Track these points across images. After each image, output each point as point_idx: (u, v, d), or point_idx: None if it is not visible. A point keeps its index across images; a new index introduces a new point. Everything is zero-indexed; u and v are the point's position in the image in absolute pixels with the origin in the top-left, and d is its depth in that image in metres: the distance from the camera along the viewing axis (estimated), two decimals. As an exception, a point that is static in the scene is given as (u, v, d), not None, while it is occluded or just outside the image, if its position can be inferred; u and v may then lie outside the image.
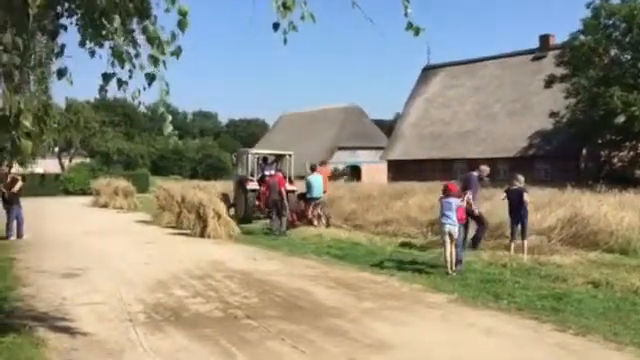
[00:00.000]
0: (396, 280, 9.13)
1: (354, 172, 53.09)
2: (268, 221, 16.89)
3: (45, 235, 15.86)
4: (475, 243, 11.50)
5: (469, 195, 10.97)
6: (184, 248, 13.30)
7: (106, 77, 3.83)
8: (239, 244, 13.91)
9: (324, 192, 16.88)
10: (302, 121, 61.22)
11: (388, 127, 60.49)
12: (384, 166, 42.96)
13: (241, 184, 19.33)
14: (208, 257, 11.67)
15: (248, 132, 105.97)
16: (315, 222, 16.45)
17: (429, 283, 8.82)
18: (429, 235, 13.60)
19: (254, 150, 21.79)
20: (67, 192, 41.49)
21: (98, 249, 13.12)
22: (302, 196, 16.98)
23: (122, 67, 3.73)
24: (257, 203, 19.08)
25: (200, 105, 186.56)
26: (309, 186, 16.51)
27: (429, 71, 43.78)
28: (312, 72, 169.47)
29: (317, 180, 16.63)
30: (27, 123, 3.35)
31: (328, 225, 16.23)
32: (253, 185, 18.92)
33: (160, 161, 78.68)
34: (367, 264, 10.66)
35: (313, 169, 17.12)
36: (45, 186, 40.80)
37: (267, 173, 19.54)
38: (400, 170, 38.16)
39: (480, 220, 11.54)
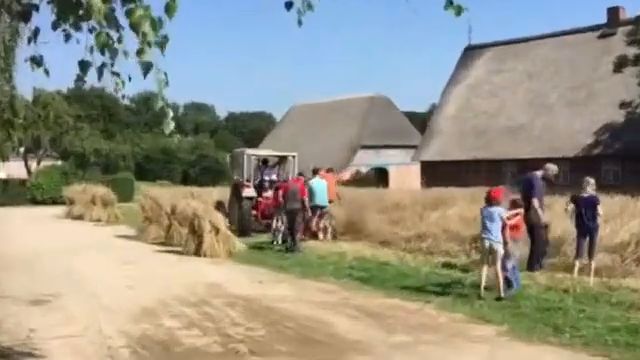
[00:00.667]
0: (433, 308, 9.08)
1: (380, 176, 52.97)
2: (272, 234, 17.24)
3: (8, 253, 16.01)
4: (531, 262, 11.41)
5: (535, 203, 10.87)
6: (175, 269, 13.34)
7: (84, 65, 3.85)
8: (241, 264, 13.93)
9: (330, 201, 17.38)
10: (317, 114, 61.33)
11: (421, 121, 60.37)
12: (416, 168, 42.85)
13: (236, 190, 19.61)
14: (204, 279, 11.70)
15: (251, 128, 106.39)
16: (320, 235, 16.91)
17: (473, 312, 8.75)
18: (472, 253, 13.51)
19: (252, 151, 22.18)
20: (35, 201, 41.88)
21: (72, 270, 13.21)
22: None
23: (103, 53, 3.75)
24: (254, 213, 19.40)
25: (193, 96, 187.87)
26: (311, 193, 16.79)
27: (471, 52, 43.66)
28: (328, 57, 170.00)
29: (320, 185, 17.09)
30: None
31: (335, 238, 16.81)
32: (249, 192, 19.29)
33: (146, 163, 79.13)
34: (397, 288, 10.62)
35: (315, 172, 17.55)
36: (8, 194, 41.23)
37: (267, 178, 20.05)
38: (436, 173, 38.02)
39: (538, 234, 11.43)
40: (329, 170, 20.48)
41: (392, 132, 55.91)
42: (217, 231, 15.14)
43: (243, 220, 18.93)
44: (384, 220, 17.60)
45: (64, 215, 29.73)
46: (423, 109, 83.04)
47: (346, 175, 50.77)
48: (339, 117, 58.52)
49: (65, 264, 14.08)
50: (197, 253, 14.96)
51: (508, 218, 9.73)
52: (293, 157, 20.79)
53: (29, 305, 9.57)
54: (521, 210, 10.34)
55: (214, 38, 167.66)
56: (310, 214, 16.71)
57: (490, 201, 9.68)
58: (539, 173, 11.70)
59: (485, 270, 9.63)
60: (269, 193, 19.47)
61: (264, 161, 21.14)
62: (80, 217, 28.11)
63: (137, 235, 19.75)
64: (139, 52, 3.63)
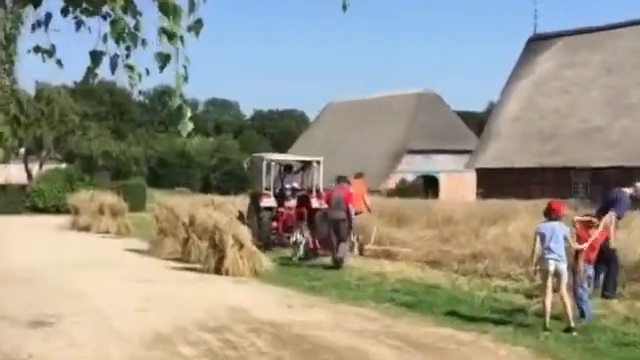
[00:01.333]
0: (490, 340, 9.00)
1: (429, 185, 52.70)
2: (292, 249, 17.62)
3: (4, 269, 16.26)
4: (606, 288, 11.25)
5: (611, 217, 10.72)
6: (193, 289, 13.43)
7: (96, 56, 3.89)
8: (268, 284, 13.99)
9: (357, 213, 17.47)
10: (356, 113, 61.34)
11: (477, 122, 59.92)
12: (472, 177, 42.51)
13: (254, 200, 20.01)
14: (226, 302, 11.77)
15: (280, 128, 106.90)
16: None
17: (538, 345, 8.65)
18: (537, 276, 13.35)
19: (272, 156, 22.50)
20: (36, 209, 42.46)
21: (76, 288, 13.38)
22: (325, 215, 17.28)
23: (118, 43, 3.79)
24: (274, 225, 19.69)
25: (215, 92, 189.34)
26: (331, 204, 17.10)
27: (537, 43, 43.24)
28: (370, 49, 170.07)
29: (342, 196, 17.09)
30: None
31: (361, 254, 17.32)
32: (269, 201, 19.74)
33: (161, 167, 79.80)
34: (448, 316, 10.58)
35: (340, 180, 17.74)
36: (6, 201, 41.89)
37: (289, 186, 20.50)
38: (495, 183, 37.67)
39: (614, 255, 11.28)
40: (358, 176, 20.77)
41: (443, 134, 55.60)
42: (241, 246, 15.20)
43: (262, 233, 18.97)
44: (433, 236, 17.52)
45: (68, 226, 30.07)
46: (480, 108, 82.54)
47: (390, 183, 50.66)
48: (382, 117, 58.42)
49: (69, 282, 14.27)
50: (218, 271, 15.04)
51: (581, 237, 9.60)
52: (318, 162, 21.16)
53: (28, 327, 9.72)
54: (598, 224, 10.21)
55: (238, 27, 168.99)
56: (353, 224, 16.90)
57: (550, 214, 9.59)
58: (628, 190, 11.54)
59: (550, 296, 9.50)
60: (291, 202, 19.96)
61: (286, 167, 21.49)
62: (86, 228, 28.40)
63: (150, 249, 19.91)
64: (171, 37, 3.63)
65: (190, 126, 3.89)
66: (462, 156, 49.08)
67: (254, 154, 25.52)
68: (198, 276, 15.01)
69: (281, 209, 19.95)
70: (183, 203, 20.68)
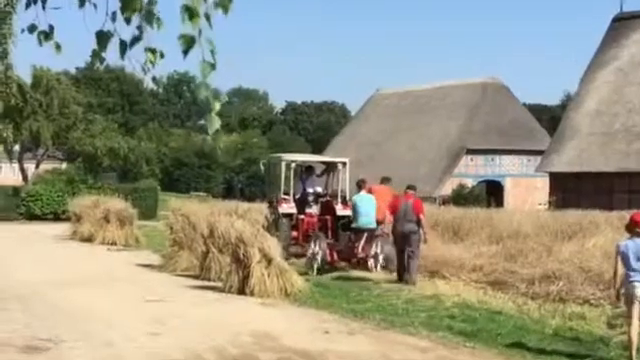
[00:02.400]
0: (564, 377, 8.90)
1: (492, 191, 52.43)
2: (308, 262, 18.14)
3: (-3, 284, 16.48)
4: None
5: None
6: (212, 310, 13.49)
7: (103, 37, 3.91)
8: (301, 306, 14.02)
9: (380, 222, 18.31)
10: (406, 105, 61.24)
11: (550, 118, 59.49)
12: (543, 182, 42.18)
13: (272, 206, 20.70)
14: (251, 326, 11.81)
15: (316, 123, 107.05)
16: (371, 264, 17.73)
17: (622, 384, 8.53)
18: (621, 302, 13.19)
19: (292, 156, 23.28)
20: (31, 216, 42.98)
21: (77, 309, 13.51)
22: (347, 226, 18.08)
23: (129, 22, 3.80)
24: (294, 234, 20.16)
25: (241, 80, 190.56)
26: (354, 211, 18.28)
27: (624, 23, 42.74)
28: (421, 31, 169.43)
29: (365, 202, 18.24)
30: None
31: (386, 268, 17.59)
32: (288, 207, 20.38)
33: (176, 168, 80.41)
34: (515, 347, 10.49)
35: (360, 186, 18.71)
36: (-3, 206, 42.53)
37: (311, 190, 21.29)
38: (571, 190, 37.29)
39: None
40: (384, 181, 21.14)
41: (510, 132, 55.21)
42: (269, 262, 15.22)
43: (281, 242, 19.04)
44: (497, 253, 17.39)
45: (69, 235, 30.37)
46: (553, 101, 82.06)
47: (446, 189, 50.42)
48: (436, 110, 58.22)
49: (69, 301, 14.41)
50: (242, 291, 15.07)
51: None
52: (343, 164, 21.66)
53: (21, 353, 9.83)
54: None
55: (266, 3, 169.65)
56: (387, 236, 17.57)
57: (634, 229, 9.50)
58: None
59: (637, 325, 9.37)
60: (313, 209, 20.64)
61: (307, 168, 22.02)
62: (89, 239, 28.63)
63: (163, 264, 20.04)
64: (192, 15, 3.61)
65: (218, 122, 3.88)
66: (531, 158, 48.78)
67: (272, 155, 26.51)
68: (218, 296, 15.07)
69: (302, 216, 20.41)
70: (202, 210, 20.76)
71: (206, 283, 16.54)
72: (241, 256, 15.35)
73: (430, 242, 17.98)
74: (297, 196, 20.95)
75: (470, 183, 52.39)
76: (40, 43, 4.14)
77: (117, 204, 29.76)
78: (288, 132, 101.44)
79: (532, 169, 45.70)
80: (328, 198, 21.16)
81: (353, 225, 18.41)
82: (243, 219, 17.41)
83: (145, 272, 19.51)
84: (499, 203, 47.47)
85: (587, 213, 22.16)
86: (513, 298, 14.53)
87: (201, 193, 62.79)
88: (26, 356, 9.72)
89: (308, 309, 13.72)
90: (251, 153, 77.77)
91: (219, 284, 15.93)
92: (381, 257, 17.96)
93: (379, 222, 18.44)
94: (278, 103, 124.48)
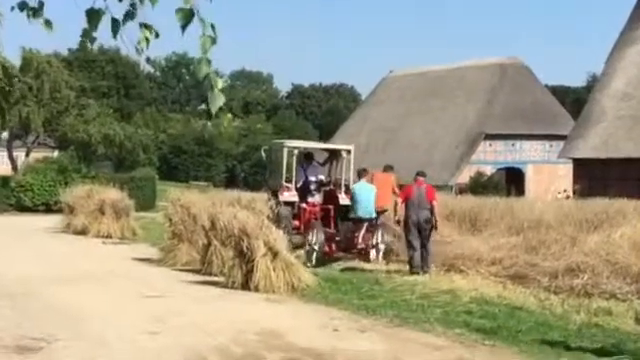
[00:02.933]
0: (590, 376, 8.91)
1: (512, 179, 52.35)
2: (305, 254, 18.44)
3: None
4: None
5: None
6: (215, 307, 13.53)
7: (93, 15, 3.91)
8: (309, 302, 14.05)
9: (382, 211, 19.35)
10: (421, 88, 61.15)
11: (574, 100, 59.32)
12: (566, 169, 42.12)
13: (273, 195, 21.32)
14: (256, 324, 11.82)
15: (325, 107, 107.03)
16: (372, 255, 18.67)
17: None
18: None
19: (294, 143, 23.91)
20: (22, 207, 43.19)
21: (71, 306, 13.54)
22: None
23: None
24: (295, 223, 20.47)
25: (244, 62, 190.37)
26: (353, 200, 19.21)
27: (652, -2, 42.52)
28: (434, 9, 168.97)
29: (365, 191, 19.15)
30: None
31: (387, 258, 18.59)
32: (289, 195, 20.95)
33: (175, 155, 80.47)
34: (536, 345, 10.48)
35: (361, 174, 19.76)
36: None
37: (313, 178, 21.74)
38: (597, 177, 37.21)
39: None
40: (387, 169, 21.99)
41: (531, 116, 55.12)
42: (274, 255, 15.23)
43: (282, 231, 19.24)
44: (517, 245, 17.37)
45: (61, 228, 30.48)
46: (577, 83, 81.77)
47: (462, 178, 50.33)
48: (453, 93, 58.18)
49: (62, 298, 14.45)
50: (246, 286, 15.09)
51: None
52: (348, 152, 22.30)
53: (12, 353, 9.85)
54: None
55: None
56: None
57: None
58: None
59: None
60: (316, 198, 21.22)
61: (308, 156, 22.53)
62: (83, 231, 28.74)
63: (162, 258, 20.10)
64: None
65: (222, 99, 3.87)
66: (554, 143, 48.75)
67: (273, 142, 27.05)
68: (221, 292, 15.09)
69: (303, 205, 20.85)
70: (202, 201, 20.79)
71: (208, 278, 16.57)
72: (245, 249, 15.36)
73: (446, 234, 18.06)
74: (299, 184, 21.49)
75: (489, 170, 52.41)
76: (29, 19, 4.13)
77: (112, 194, 29.83)
78: (294, 117, 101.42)
79: (555, 155, 45.62)
80: (331, 187, 21.68)
81: (352, 215, 19.29)
82: (247, 210, 17.44)
83: (143, 266, 19.56)
84: (520, 191, 47.40)
85: (614, 202, 22.08)
86: (535, 292, 14.52)
87: (202, 182, 62.87)
88: (17, 356, 9.75)
89: (316, 305, 13.74)
90: (255, 140, 77.59)
91: (221, 279, 15.94)
92: (382, 247, 18.74)
93: (381, 211, 19.38)
94: (283, 86, 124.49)
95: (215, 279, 16.23)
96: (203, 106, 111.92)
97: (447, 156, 53.39)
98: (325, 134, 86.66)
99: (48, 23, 4.23)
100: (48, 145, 59.14)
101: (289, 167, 21.84)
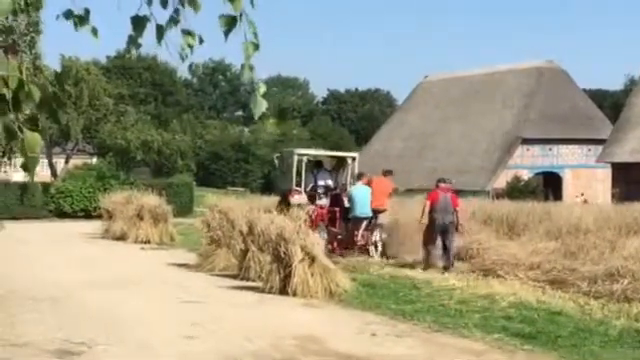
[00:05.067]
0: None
1: (550, 183, 52.04)
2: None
3: (26, 286, 16.69)
4: None
5: None
6: (252, 312, 13.55)
7: (139, 22, 3.94)
8: (347, 307, 14.02)
9: (379, 211, 21.36)
10: (457, 92, 60.97)
11: (612, 104, 58.79)
12: (605, 173, 41.78)
13: (284, 197, 22.88)
14: (293, 329, 11.84)
15: (361, 113, 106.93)
16: (372, 252, 20.99)
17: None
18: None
19: (303, 151, 25.95)
20: (61, 213, 43.57)
21: (110, 311, 13.63)
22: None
23: (166, 5, 3.82)
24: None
25: (280, 68, 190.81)
26: (351, 201, 21.41)
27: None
28: (470, 16, 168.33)
29: (362, 193, 21.32)
30: (36, 97, 3.45)
31: (383, 255, 20.87)
32: (299, 198, 22.31)
33: (212, 162, 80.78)
34: (576, 350, 10.41)
35: (359, 177, 22.25)
36: (26, 204, 43.08)
37: (322, 183, 23.68)
38: (636, 181, 36.91)
39: None
40: (386, 173, 24.15)
41: (568, 120, 54.76)
42: (312, 260, 15.23)
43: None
44: (555, 250, 17.30)
45: (100, 234, 30.70)
46: (615, 86, 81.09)
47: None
48: (489, 97, 57.92)
49: (101, 303, 14.55)
50: (283, 291, 15.09)
51: None
52: (353, 159, 24.37)
53: (53, 357, 9.94)
54: None
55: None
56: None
57: None
58: None
59: None
60: (323, 201, 22.90)
61: (318, 163, 24.64)
62: (122, 237, 28.90)
63: (200, 264, 20.15)
64: None
65: (264, 105, 3.90)
66: (592, 147, 48.35)
67: (285, 150, 29.56)
68: (258, 297, 15.11)
69: (312, 207, 21.87)
70: (240, 207, 20.84)
71: (245, 283, 16.60)
72: (282, 254, 15.37)
73: (483, 239, 18.09)
74: (308, 189, 23.20)
75: (526, 175, 52.05)
76: (76, 28, 4.16)
77: (151, 200, 29.92)
78: (330, 123, 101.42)
79: (593, 159, 45.38)
80: (338, 191, 23.44)
81: (351, 215, 21.50)
82: (285, 215, 17.47)
83: (181, 272, 19.64)
84: (557, 196, 47.13)
85: (654, 206, 21.90)
86: (574, 297, 14.45)
87: (239, 188, 63.01)
88: (59, 359, 9.84)
89: (354, 310, 13.73)
90: (291, 145, 77.72)
91: (259, 284, 15.96)
92: (380, 245, 21.16)
93: (378, 211, 21.44)
94: (319, 92, 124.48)
95: (253, 284, 16.26)
96: (240, 112, 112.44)
97: (484, 161, 53.14)
98: (361, 139, 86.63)
99: (94, 31, 4.26)
100: (87, 152, 59.64)
101: (299, 172, 23.53)
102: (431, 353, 10.40)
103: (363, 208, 21.18)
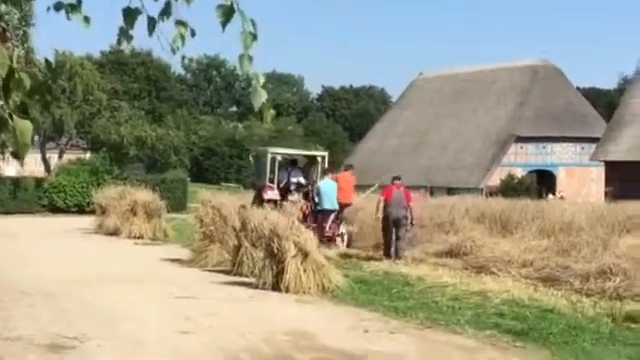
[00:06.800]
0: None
1: (543, 182, 52.11)
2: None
3: (20, 281, 16.65)
4: None
5: None
6: (245, 308, 13.57)
7: (130, 14, 3.92)
8: (339, 303, 14.03)
9: (346, 204, 23.06)
10: (451, 90, 61.03)
11: (606, 103, 58.90)
12: (598, 172, 41.85)
13: (258, 193, 24.35)
14: (286, 324, 11.85)
15: (355, 109, 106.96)
16: (339, 242, 22.48)
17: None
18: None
19: (276, 149, 27.60)
20: (54, 208, 43.44)
21: (103, 306, 13.62)
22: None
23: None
24: None
25: (275, 64, 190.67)
26: (319, 195, 22.80)
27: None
28: (466, 12, 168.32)
29: (329, 187, 22.82)
30: (26, 84, 3.44)
31: (349, 246, 22.36)
32: (272, 194, 23.75)
33: (206, 158, 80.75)
34: (568, 348, 10.43)
35: (325, 172, 23.95)
36: (19, 198, 42.98)
37: (294, 180, 25.23)
38: (629, 180, 36.93)
39: None
40: (348, 168, 26.73)
41: (562, 118, 54.88)
42: (305, 256, 15.23)
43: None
44: (548, 248, 17.34)
45: (94, 229, 30.65)
46: (609, 85, 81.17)
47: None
48: (483, 95, 58.03)
49: (94, 297, 14.53)
50: (276, 286, 15.09)
51: None
52: (322, 158, 25.68)
53: (45, 351, 9.93)
54: None
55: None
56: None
57: None
58: None
59: None
60: (295, 197, 23.99)
61: (293, 162, 26.26)
62: (115, 232, 28.85)
63: (193, 259, 20.14)
64: None
65: (264, 95, 3.89)
66: (586, 145, 48.40)
67: (259, 148, 31.65)
68: (252, 292, 15.12)
69: (284, 203, 22.23)
70: (233, 203, 20.84)
71: (238, 279, 16.61)
72: (275, 250, 15.37)
73: (476, 236, 18.13)
74: (281, 185, 24.79)
75: (519, 173, 52.10)
76: (68, 16, 4.14)
77: (144, 196, 29.88)
78: (325, 119, 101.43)
79: (586, 158, 45.44)
80: (310, 187, 24.79)
81: (318, 208, 22.91)
82: (278, 211, 17.48)
83: (174, 267, 19.63)
84: (550, 193, 47.16)
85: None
86: (566, 295, 14.49)
87: (232, 184, 62.99)
88: (51, 354, 9.82)
89: (347, 306, 13.73)
90: (285, 142, 77.68)
91: (252, 280, 15.98)
92: (346, 236, 22.85)
93: (344, 205, 23.22)
94: (314, 88, 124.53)
95: (246, 280, 16.28)
96: (234, 108, 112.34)
97: (478, 158, 53.18)
98: (355, 136, 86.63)
99: (86, 19, 4.23)
100: (81, 147, 59.56)
101: (272, 170, 25.08)
102: (423, 350, 10.42)
103: (331, 202, 22.70)
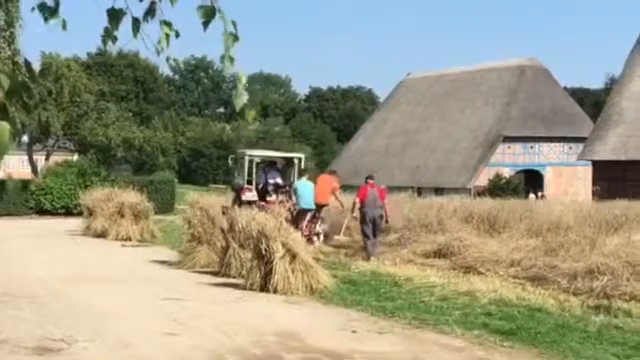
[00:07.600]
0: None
1: (531, 181, 52.27)
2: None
3: (7, 283, 16.62)
4: None
5: None
6: (233, 309, 13.56)
7: (115, 15, 3.92)
8: (327, 304, 14.05)
9: (323, 205, 23.57)
10: (439, 90, 61.15)
11: (593, 102, 59.06)
12: (586, 172, 41.96)
13: (237, 194, 24.85)
14: (274, 325, 11.86)
15: (343, 110, 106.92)
16: (315, 240, 22.74)
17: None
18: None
19: (253, 152, 28.59)
20: (41, 210, 43.31)
21: (90, 307, 13.60)
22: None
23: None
24: None
25: (262, 65, 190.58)
26: (296, 195, 23.24)
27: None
28: (453, 12, 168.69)
29: (306, 187, 23.29)
30: (4, 85, 3.43)
31: (325, 242, 23.08)
32: (250, 195, 24.47)
33: (194, 159, 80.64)
34: (556, 347, 10.45)
35: (302, 173, 24.62)
36: (6, 200, 42.83)
37: (272, 181, 25.82)
38: (616, 179, 37.10)
39: None
40: (331, 173, 27.64)
41: (550, 118, 55.04)
42: (293, 257, 15.23)
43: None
44: (536, 247, 17.36)
45: (81, 231, 30.60)
46: (597, 85, 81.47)
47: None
48: (472, 95, 58.14)
49: (82, 299, 14.52)
50: (265, 287, 15.10)
51: None
52: (299, 159, 26.53)
53: (32, 354, 9.91)
54: None
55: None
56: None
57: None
58: None
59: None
60: (273, 197, 24.64)
61: (270, 163, 26.95)
62: (103, 234, 28.81)
63: (181, 261, 20.12)
64: None
65: (246, 96, 3.89)
66: (574, 145, 48.57)
67: (238, 150, 32.41)
68: (239, 293, 15.11)
69: (262, 203, 23.18)
70: (221, 204, 20.84)
71: (226, 280, 16.60)
72: (263, 251, 15.36)
73: (464, 236, 18.12)
74: (260, 186, 25.38)
75: (507, 173, 52.23)
76: (46, 20, 4.12)
77: (132, 197, 29.82)
78: (312, 120, 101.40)
79: (574, 157, 45.60)
80: (288, 188, 25.28)
81: (296, 207, 23.00)
82: (266, 212, 17.47)
83: (162, 269, 19.61)
84: (532, 194, 47.29)
85: (634, 204, 22.04)
86: (554, 294, 14.48)
87: (220, 185, 62.88)
88: (37, 357, 9.81)
89: (335, 307, 13.75)
90: (273, 143, 77.66)
91: (240, 281, 15.98)
92: (322, 235, 23.42)
93: (321, 205, 23.59)
94: (301, 89, 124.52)
95: (234, 281, 16.27)
96: (222, 109, 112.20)
97: (465, 158, 53.28)
98: (343, 137, 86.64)
99: (64, 24, 4.20)
100: (68, 149, 59.37)
101: (250, 172, 25.74)
102: (412, 349, 10.42)
103: (307, 200, 23.01)
